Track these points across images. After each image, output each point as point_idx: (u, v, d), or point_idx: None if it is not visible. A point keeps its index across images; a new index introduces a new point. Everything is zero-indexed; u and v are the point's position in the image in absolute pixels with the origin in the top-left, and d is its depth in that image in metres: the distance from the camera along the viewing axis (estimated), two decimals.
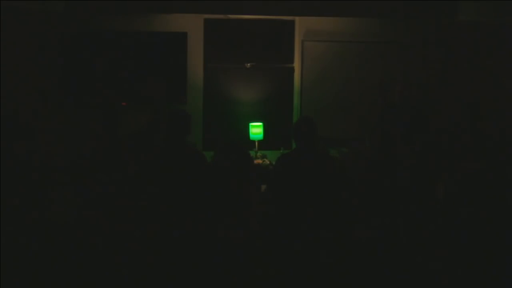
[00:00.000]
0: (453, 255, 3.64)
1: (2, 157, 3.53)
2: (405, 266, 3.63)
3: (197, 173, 3.83)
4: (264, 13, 5.90)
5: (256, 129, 5.98)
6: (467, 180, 3.92)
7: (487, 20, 5.95)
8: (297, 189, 3.81)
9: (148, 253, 3.51)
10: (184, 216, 3.60)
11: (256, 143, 5.96)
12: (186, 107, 5.88)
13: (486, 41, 6.04)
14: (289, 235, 3.69)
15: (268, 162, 5.84)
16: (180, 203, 3.70)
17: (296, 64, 6.21)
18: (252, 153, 5.64)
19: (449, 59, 6.14)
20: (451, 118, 5.62)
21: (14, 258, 3.33)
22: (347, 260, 3.66)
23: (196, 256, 3.36)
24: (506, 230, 3.69)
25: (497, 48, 6.04)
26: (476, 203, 3.81)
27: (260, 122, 6.02)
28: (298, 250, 3.60)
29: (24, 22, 5.43)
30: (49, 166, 4.12)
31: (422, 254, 3.68)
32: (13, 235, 3.39)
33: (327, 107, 6.03)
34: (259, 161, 5.81)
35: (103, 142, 4.09)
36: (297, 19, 6.14)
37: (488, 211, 3.77)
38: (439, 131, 4.82)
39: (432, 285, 3.54)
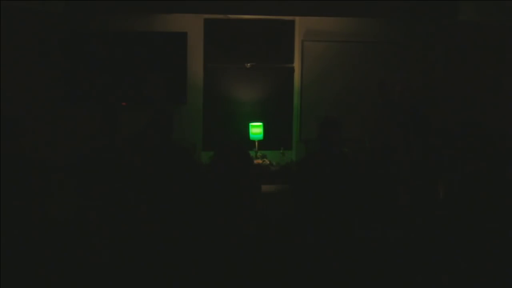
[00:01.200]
0: (453, 255, 3.64)
1: (2, 157, 3.53)
2: (405, 265, 3.63)
3: (183, 171, 3.81)
4: (264, 13, 5.90)
5: (256, 129, 5.98)
6: (468, 180, 3.92)
7: (487, 20, 5.95)
8: (326, 189, 3.80)
9: (146, 253, 3.51)
10: (181, 216, 3.60)
11: (256, 143, 5.96)
12: (186, 107, 5.89)
13: (486, 41, 6.04)
14: (316, 234, 3.67)
15: (268, 162, 5.84)
16: (171, 202, 3.69)
17: (296, 64, 6.21)
18: (252, 153, 5.65)
19: (449, 59, 6.15)
20: (451, 118, 5.62)
21: (14, 258, 3.33)
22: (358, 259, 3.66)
23: (194, 258, 3.35)
24: (506, 231, 3.70)
25: (497, 48, 6.04)
26: (477, 203, 3.81)
27: (260, 122, 6.03)
28: (325, 249, 3.58)
29: (24, 22, 5.43)
30: (49, 166, 4.12)
31: (423, 253, 3.68)
32: (13, 235, 3.39)
33: (327, 107, 6.03)
34: (259, 161, 5.81)
35: (102, 142, 4.09)
36: (297, 19, 6.15)
37: (488, 211, 3.77)
38: (439, 131, 4.82)
39: (433, 285, 3.54)
